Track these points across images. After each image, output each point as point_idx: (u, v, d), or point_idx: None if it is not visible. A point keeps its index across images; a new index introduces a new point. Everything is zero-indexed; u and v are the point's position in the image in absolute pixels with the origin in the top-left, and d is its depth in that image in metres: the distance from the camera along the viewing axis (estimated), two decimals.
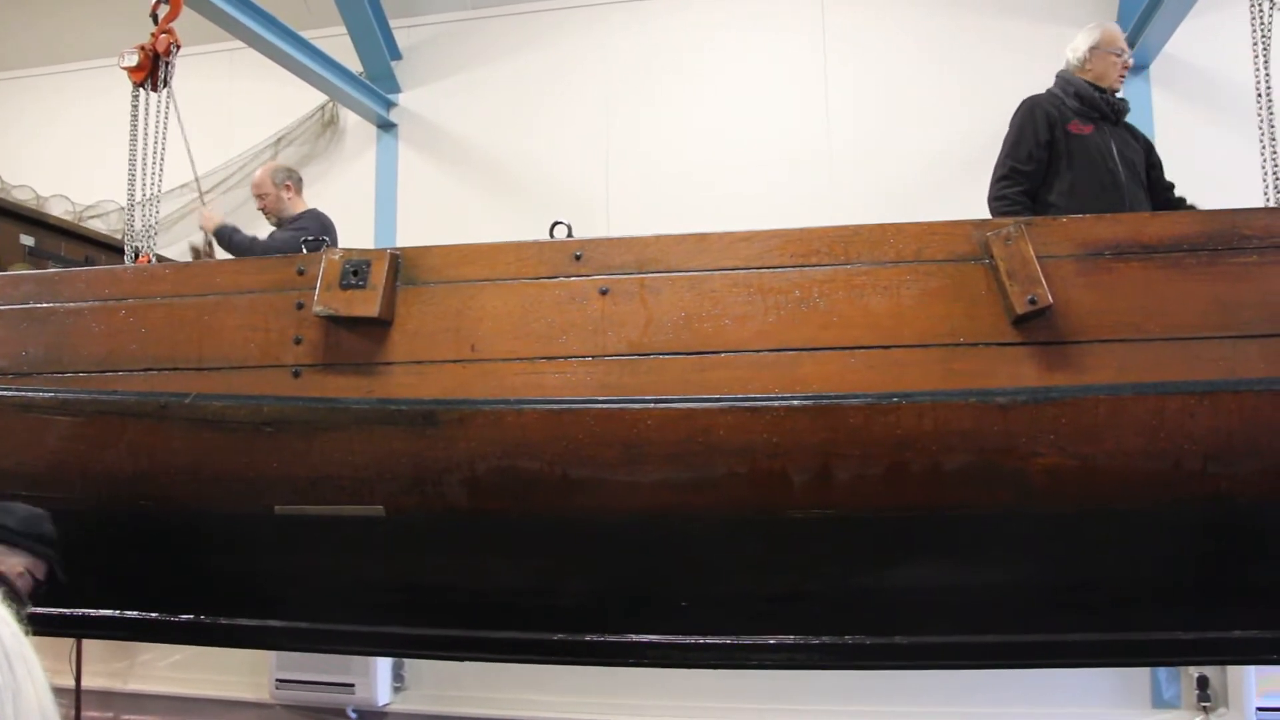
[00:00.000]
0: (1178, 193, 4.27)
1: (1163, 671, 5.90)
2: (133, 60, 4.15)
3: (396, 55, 7.67)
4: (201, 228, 5.25)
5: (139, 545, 3.25)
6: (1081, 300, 2.67)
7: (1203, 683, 5.81)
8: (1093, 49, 4.16)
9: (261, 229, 5.52)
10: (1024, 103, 4.14)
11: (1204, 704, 5.81)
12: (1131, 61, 4.25)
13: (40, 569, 3.12)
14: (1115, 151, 4.01)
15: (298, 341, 3.00)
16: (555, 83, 7.41)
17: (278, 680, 6.66)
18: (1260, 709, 5.54)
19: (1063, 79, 4.20)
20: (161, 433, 2.99)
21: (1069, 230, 2.75)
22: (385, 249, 3.03)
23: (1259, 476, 2.58)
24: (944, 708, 5.97)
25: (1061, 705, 5.96)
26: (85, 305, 3.18)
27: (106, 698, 7.00)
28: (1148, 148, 4.23)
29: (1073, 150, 3.97)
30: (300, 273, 3.06)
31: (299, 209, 5.38)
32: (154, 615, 3.49)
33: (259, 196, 5.39)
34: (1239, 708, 5.62)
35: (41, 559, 3.10)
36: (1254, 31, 3.47)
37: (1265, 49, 3.41)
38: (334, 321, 2.97)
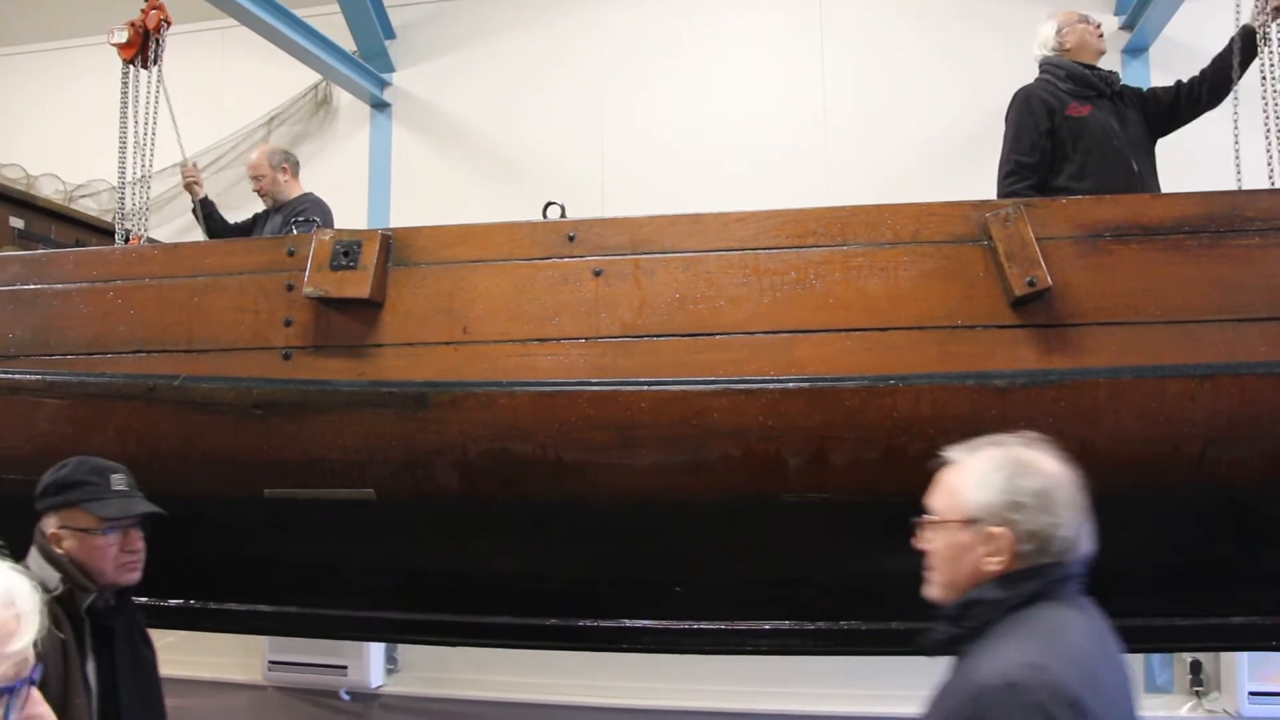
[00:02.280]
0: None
1: (1155, 656, 5.88)
2: (122, 37, 4.09)
3: (390, 34, 7.59)
4: (196, 182, 5.36)
5: None
6: (1081, 282, 2.64)
7: (1196, 667, 5.80)
8: (1059, 30, 4.09)
9: (254, 210, 5.51)
10: (1017, 94, 4.05)
11: (1197, 689, 5.80)
12: (1101, 26, 4.18)
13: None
14: (1118, 126, 3.94)
15: (288, 323, 2.97)
16: (551, 62, 7.34)
17: (270, 662, 6.63)
18: (1253, 694, 5.53)
19: (1049, 64, 4.10)
20: (150, 415, 2.97)
21: (1068, 212, 2.72)
22: (376, 229, 3.00)
23: (1259, 460, 2.56)
24: None
25: None
26: (73, 287, 3.15)
27: None
28: (1143, 98, 4.13)
29: (1076, 133, 3.88)
30: (290, 254, 3.03)
31: (295, 192, 5.37)
32: (143, 600, 3.46)
33: (255, 178, 5.37)
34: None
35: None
36: (1258, 14, 3.44)
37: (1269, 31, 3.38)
38: (324, 303, 2.94)
